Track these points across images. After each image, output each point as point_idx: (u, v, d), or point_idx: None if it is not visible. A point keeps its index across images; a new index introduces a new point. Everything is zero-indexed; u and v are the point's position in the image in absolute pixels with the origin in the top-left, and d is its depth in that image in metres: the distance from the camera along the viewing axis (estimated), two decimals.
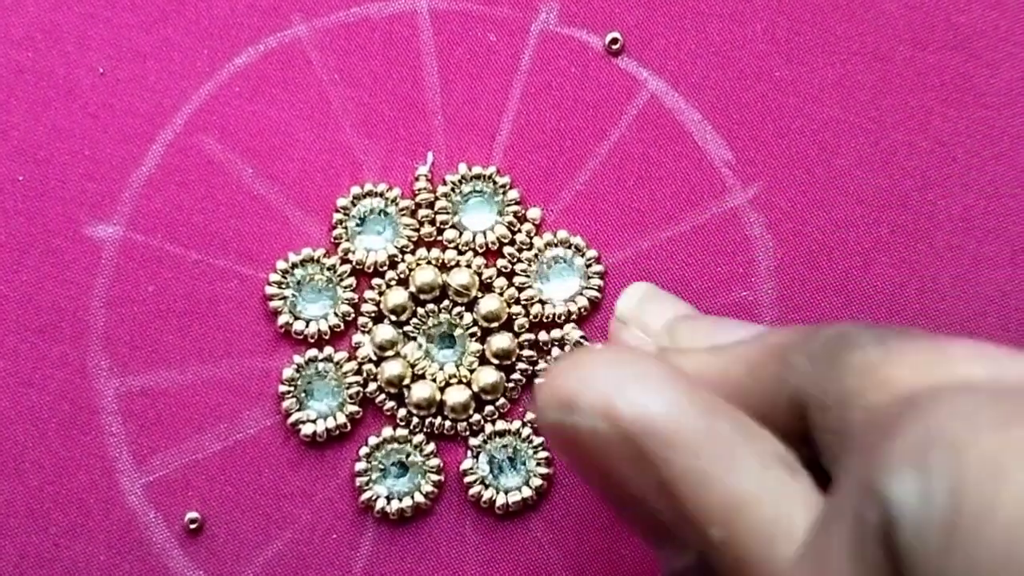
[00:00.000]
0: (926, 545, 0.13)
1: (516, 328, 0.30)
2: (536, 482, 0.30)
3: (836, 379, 0.18)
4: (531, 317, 0.30)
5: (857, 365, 0.17)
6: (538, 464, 0.30)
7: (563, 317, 0.30)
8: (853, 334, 0.18)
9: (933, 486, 0.13)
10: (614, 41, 0.30)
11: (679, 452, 0.17)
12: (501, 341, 0.30)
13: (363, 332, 0.30)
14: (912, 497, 0.13)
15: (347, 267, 0.30)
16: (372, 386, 0.30)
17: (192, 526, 0.29)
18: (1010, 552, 0.12)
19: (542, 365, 0.30)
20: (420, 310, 0.30)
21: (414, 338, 0.30)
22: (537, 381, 0.17)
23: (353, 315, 0.30)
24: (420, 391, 0.30)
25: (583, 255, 0.30)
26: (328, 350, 0.30)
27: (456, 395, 0.30)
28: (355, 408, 0.30)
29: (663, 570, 0.19)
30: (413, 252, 0.30)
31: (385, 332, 0.30)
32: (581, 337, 0.30)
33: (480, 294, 0.30)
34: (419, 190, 0.30)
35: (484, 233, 0.30)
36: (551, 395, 0.18)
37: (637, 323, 0.26)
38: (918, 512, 0.13)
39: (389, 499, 0.30)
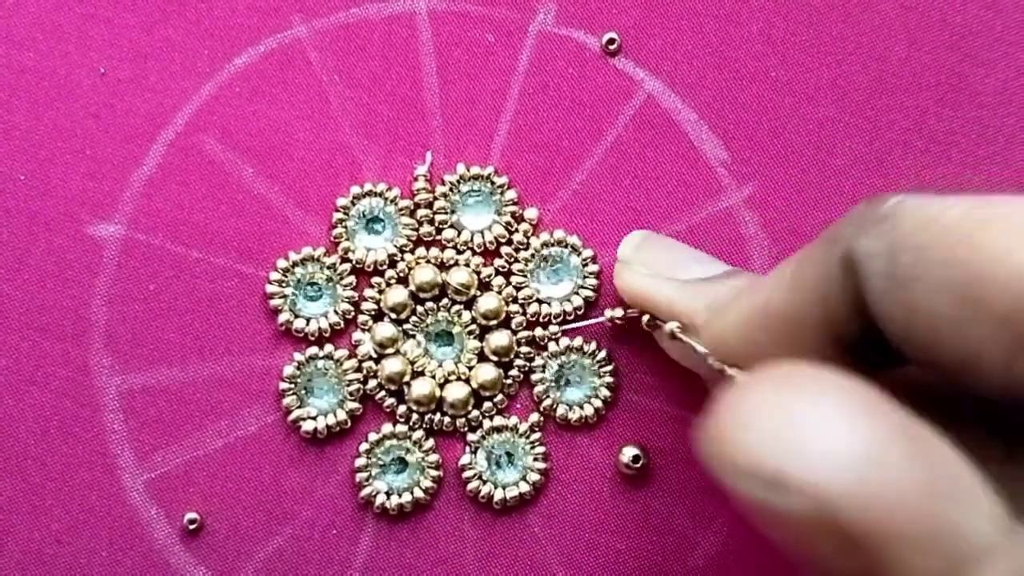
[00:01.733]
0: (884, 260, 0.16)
1: (514, 326, 0.30)
2: (533, 477, 0.30)
3: (882, 223, 0.18)
4: (528, 315, 0.30)
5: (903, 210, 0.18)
6: (535, 460, 0.30)
7: (560, 315, 0.30)
8: (886, 196, 0.19)
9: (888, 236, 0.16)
10: (611, 41, 0.30)
11: (904, 549, 0.14)
12: (500, 338, 0.30)
13: (363, 330, 0.30)
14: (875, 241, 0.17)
15: (347, 266, 0.30)
16: (372, 383, 0.30)
17: (191, 527, 0.29)
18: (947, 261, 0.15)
19: (539, 361, 0.30)
20: (419, 308, 0.30)
21: (413, 336, 0.30)
22: (718, 427, 0.15)
23: (353, 313, 0.30)
24: (420, 387, 0.29)
25: (579, 254, 0.30)
26: (328, 347, 0.30)
27: (456, 391, 0.30)
28: (355, 405, 0.30)
29: None
30: (412, 251, 0.30)
31: (385, 330, 0.30)
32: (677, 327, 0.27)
33: (479, 292, 0.30)
34: (418, 190, 0.30)
35: (482, 233, 0.30)
36: (748, 463, 0.14)
37: (639, 262, 0.28)
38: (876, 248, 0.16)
39: (389, 495, 0.29)
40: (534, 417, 0.30)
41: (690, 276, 0.27)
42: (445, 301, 0.30)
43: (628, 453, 0.29)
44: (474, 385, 0.30)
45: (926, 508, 0.14)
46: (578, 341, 0.30)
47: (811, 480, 0.14)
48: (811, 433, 0.14)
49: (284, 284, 0.30)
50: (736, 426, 0.15)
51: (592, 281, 0.30)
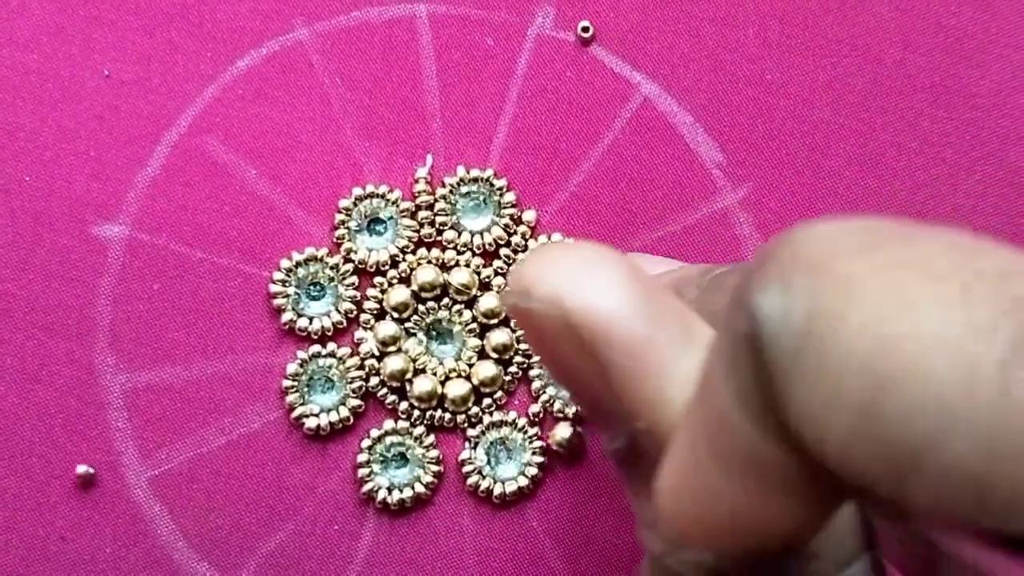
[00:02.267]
0: (783, 353, 0.14)
1: (513, 324, 0.30)
2: (531, 471, 0.30)
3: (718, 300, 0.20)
4: None
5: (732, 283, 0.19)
6: (533, 454, 0.30)
7: None
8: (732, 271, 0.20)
9: (793, 302, 0.14)
10: (584, 29, 0.30)
11: (616, 351, 0.17)
12: (500, 336, 0.30)
13: (365, 328, 0.30)
14: (775, 311, 0.14)
15: (349, 266, 0.30)
16: (374, 380, 0.30)
17: (83, 475, 0.29)
18: (853, 359, 0.13)
19: (536, 359, 0.30)
20: (421, 307, 0.30)
21: (415, 334, 0.30)
22: (517, 263, 0.19)
23: (355, 312, 0.30)
24: (422, 384, 0.29)
25: None
26: (331, 346, 0.30)
27: (456, 388, 0.30)
28: (357, 402, 0.30)
29: (603, 449, 0.20)
30: (414, 252, 0.30)
31: (388, 328, 0.30)
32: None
33: (479, 292, 0.30)
34: (419, 192, 0.30)
35: (482, 234, 0.30)
36: (514, 280, 0.18)
37: None
38: (778, 324, 0.14)
39: (390, 490, 0.29)
40: (534, 410, 0.30)
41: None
42: (446, 301, 0.30)
43: (560, 434, 0.30)
44: (475, 382, 0.30)
45: (638, 323, 0.17)
46: None
47: (552, 292, 0.18)
48: (579, 268, 0.18)
49: (287, 284, 0.30)
50: (523, 262, 0.18)
51: None
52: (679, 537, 0.17)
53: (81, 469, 0.29)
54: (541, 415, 0.30)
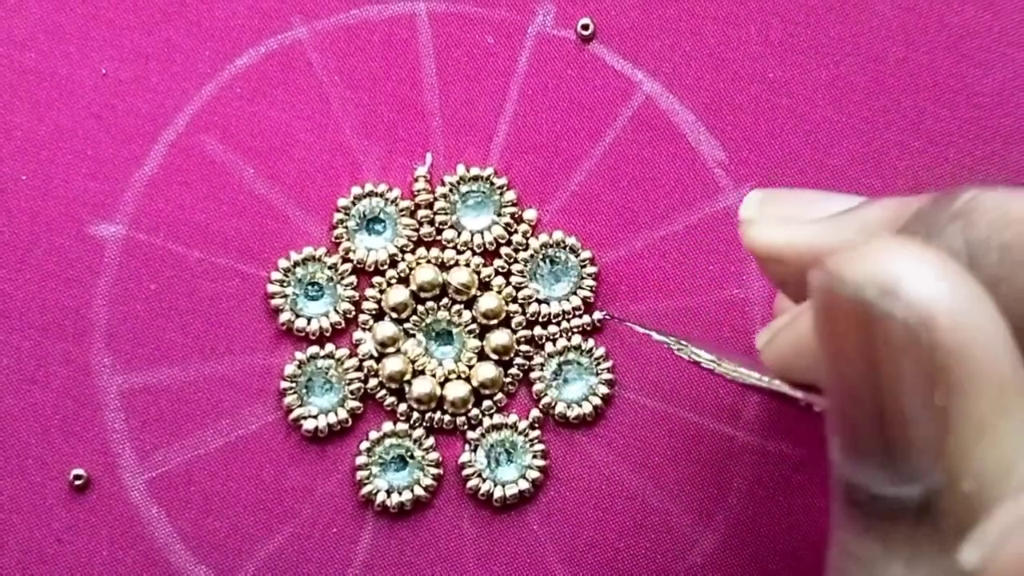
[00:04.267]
0: None
1: (514, 325, 0.30)
2: (532, 475, 0.29)
3: (957, 221, 0.18)
4: (528, 315, 0.30)
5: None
6: (534, 457, 0.29)
7: (558, 315, 0.30)
8: (957, 192, 0.18)
9: None
10: (584, 27, 0.30)
11: (982, 390, 0.15)
12: (500, 337, 0.30)
13: (364, 329, 0.30)
14: None
15: (348, 266, 0.30)
16: (373, 382, 0.30)
17: (77, 483, 0.29)
18: None
19: (538, 360, 0.30)
20: (420, 308, 0.30)
21: (414, 335, 0.30)
22: (858, 249, 0.16)
23: (354, 313, 0.30)
24: (421, 386, 0.29)
25: (577, 255, 0.30)
26: (329, 347, 0.30)
27: (456, 390, 0.29)
28: (356, 404, 0.30)
29: (845, 478, 0.17)
30: (413, 251, 0.30)
31: (386, 329, 0.29)
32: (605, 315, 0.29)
33: (479, 292, 0.30)
34: (418, 191, 0.30)
35: (482, 233, 0.30)
36: (875, 271, 0.16)
37: (767, 215, 0.24)
38: None
39: (389, 493, 0.29)
40: (535, 413, 0.30)
41: (827, 214, 0.23)
42: (445, 301, 0.30)
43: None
44: (474, 383, 0.30)
45: (997, 343, 0.16)
46: (576, 339, 0.30)
47: (927, 303, 0.15)
48: (927, 265, 0.16)
49: (285, 284, 0.29)
50: (865, 251, 0.16)
51: (590, 282, 0.30)
52: None
53: (77, 472, 0.29)
54: (541, 419, 0.30)
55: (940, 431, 0.16)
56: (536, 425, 0.30)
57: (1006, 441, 0.15)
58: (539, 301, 0.30)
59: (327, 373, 0.29)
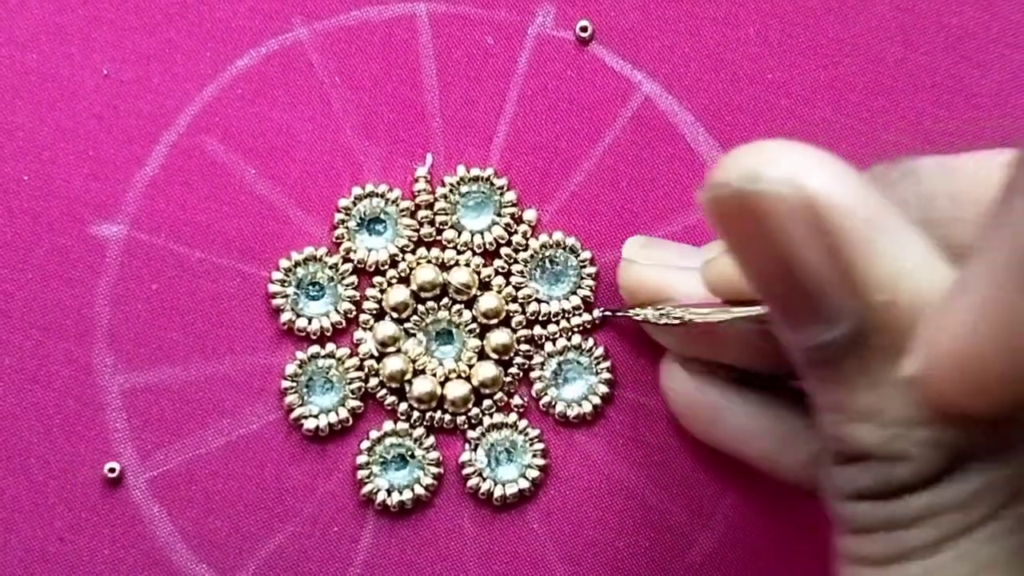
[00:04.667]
0: None
1: (514, 325, 0.30)
2: (532, 474, 0.29)
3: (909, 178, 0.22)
4: (528, 314, 0.30)
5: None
6: (534, 456, 0.29)
7: (558, 315, 0.30)
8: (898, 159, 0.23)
9: None
10: (583, 29, 0.30)
11: (856, 223, 0.18)
12: (500, 337, 0.30)
13: (365, 329, 0.30)
14: None
15: (348, 266, 0.30)
16: (374, 381, 0.30)
17: (111, 475, 0.29)
18: None
19: (537, 359, 0.30)
20: (420, 307, 0.30)
21: (414, 335, 0.30)
22: (722, 159, 0.19)
23: (355, 312, 0.30)
24: (422, 385, 0.29)
25: (577, 256, 0.30)
26: (330, 346, 0.29)
27: (456, 389, 0.29)
28: (356, 403, 0.29)
29: (797, 347, 0.20)
30: (413, 251, 0.30)
31: (387, 328, 0.29)
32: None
33: (479, 292, 0.30)
34: (419, 191, 0.30)
35: (482, 234, 0.30)
36: (737, 166, 0.19)
37: (646, 258, 0.28)
38: None
39: (389, 492, 0.29)
40: (516, 400, 0.30)
41: (696, 264, 0.27)
42: (446, 300, 0.30)
43: None
44: (474, 383, 0.30)
45: (877, 204, 0.19)
46: (576, 339, 0.30)
47: (789, 173, 0.18)
48: (780, 148, 0.19)
49: (286, 284, 0.29)
50: (728, 160, 0.19)
51: (589, 282, 0.30)
52: (942, 404, 0.18)
53: (111, 465, 0.29)
54: (526, 403, 0.30)
55: (840, 267, 0.18)
56: (521, 409, 0.30)
57: (887, 254, 0.18)
58: (539, 301, 0.30)
59: (328, 372, 0.29)
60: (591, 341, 0.30)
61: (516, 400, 0.30)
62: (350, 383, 0.29)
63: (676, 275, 0.27)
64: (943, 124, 0.30)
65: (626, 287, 0.28)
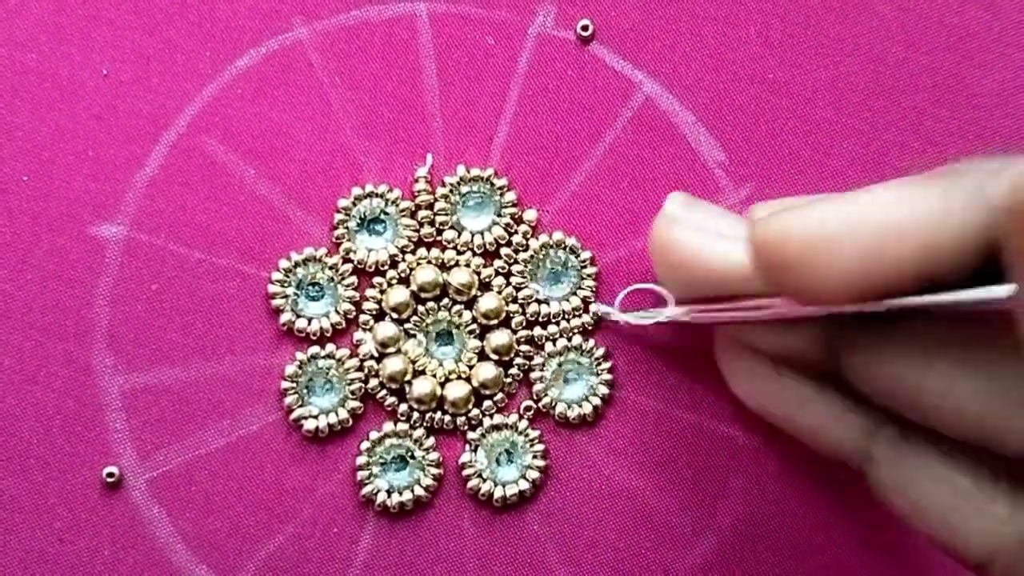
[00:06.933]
0: None
1: (514, 325, 0.30)
2: (532, 475, 0.29)
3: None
4: (528, 315, 0.30)
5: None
6: (534, 457, 0.30)
7: (559, 315, 0.30)
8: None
9: None
10: (584, 28, 0.30)
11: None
12: (500, 337, 0.30)
13: (365, 329, 0.30)
14: None
15: (348, 266, 0.30)
16: (373, 382, 0.30)
17: (110, 479, 0.29)
18: None
19: (538, 360, 0.30)
20: (420, 308, 0.30)
21: (414, 335, 0.30)
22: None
23: (354, 313, 0.30)
24: (421, 386, 0.29)
25: (577, 256, 0.30)
26: (330, 347, 0.30)
27: (456, 390, 0.29)
28: (356, 404, 0.30)
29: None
30: (413, 252, 0.30)
31: (387, 329, 0.30)
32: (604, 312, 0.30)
33: (479, 293, 0.30)
34: (419, 191, 0.30)
35: (482, 234, 0.30)
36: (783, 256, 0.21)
37: (690, 220, 0.26)
38: None
39: (389, 493, 0.29)
40: (526, 403, 0.30)
41: (737, 235, 0.25)
42: (446, 301, 0.30)
43: None
44: (474, 384, 0.30)
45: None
46: (577, 340, 0.30)
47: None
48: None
49: (286, 284, 0.30)
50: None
51: (590, 282, 0.30)
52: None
53: (109, 470, 0.29)
54: (533, 407, 0.30)
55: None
56: (528, 413, 0.30)
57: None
58: (539, 301, 0.30)
59: (328, 373, 0.30)
60: (591, 342, 0.30)
61: (526, 403, 0.30)
62: (350, 384, 0.30)
63: (715, 243, 0.25)
64: (944, 124, 0.30)
65: (659, 245, 0.26)
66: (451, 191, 0.30)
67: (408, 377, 0.30)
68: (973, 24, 0.30)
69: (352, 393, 0.30)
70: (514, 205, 0.30)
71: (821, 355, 0.25)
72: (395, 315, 0.30)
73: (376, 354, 0.30)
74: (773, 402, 0.27)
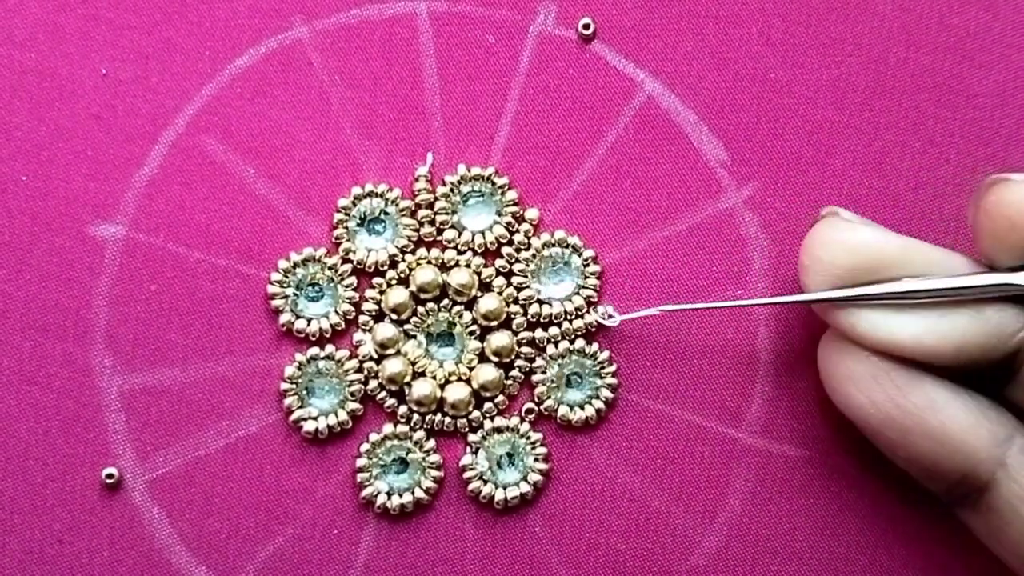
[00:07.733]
0: None
1: (515, 327, 0.30)
2: (534, 478, 0.29)
3: None
4: (529, 316, 0.30)
5: None
6: (535, 460, 0.29)
7: (560, 316, 0.30)
8: None
9: None
10: (585, 27, 0.30)
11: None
12: (500, 339, 0.30)
13: (364, 330, 0.30)
14: None
15: (348, 266, 0.30)
16: (373, 383, 0.30)
17: (109, 481, 0.29)
18: None
19: (539, 362, 0.30)
20: (420, 309, 0.30)
21: (414, 336, 0.30)
22: None
23: (354, 314, 0.30)
24: (421, 388, 0.29)
25: (580, 255, 0.30)
26: (329, 348, 0.30)
27: (456, 392, 0.29)
28: (356, 405, 0.30)
29: None
30: (413, 252, 0.30)
31: (386, 330, 0.29)
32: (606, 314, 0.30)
33: (479, 293, 0.30)
34: (419, 191, 0.30)
35: (483, 233, 0.30)
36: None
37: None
38: None
39: (390, 495, 0.29)
40: (528, 406, 0.30)
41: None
42: (446, 302, 0.30)
43: None
44: (475, 386, 0.30)
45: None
46: (579, 343, 0.30)
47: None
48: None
49: (285, 285, 0.30)
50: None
51: (593, 281, 0.30)
52: None
53: (107, 472, 0.29)
54: (534, 410, 0.30)
55: None
56: (529, 415, 0.30)
57: None
58: (540, 302, 0.30)
59: (327, 374, 0.30)
60: (595, 345, 0.30)
61: (527, 406, 0.30)
62: (350, 385, 0.30)
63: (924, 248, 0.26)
64: (945, 124, 0.30)
65: (838, 249, 0.26)
66: (452, 190, 0.30)
67: (408, 379, 0.29)
68: (974, 24, 0.30)
69: (352, 394, 0.30)
70: (515, 204, 0.30)
71: (996, 354, 0.26)
72: (395, 316, 0.30)
73: (376, 355, 0.30)
74: (902, 409, 0.26)
